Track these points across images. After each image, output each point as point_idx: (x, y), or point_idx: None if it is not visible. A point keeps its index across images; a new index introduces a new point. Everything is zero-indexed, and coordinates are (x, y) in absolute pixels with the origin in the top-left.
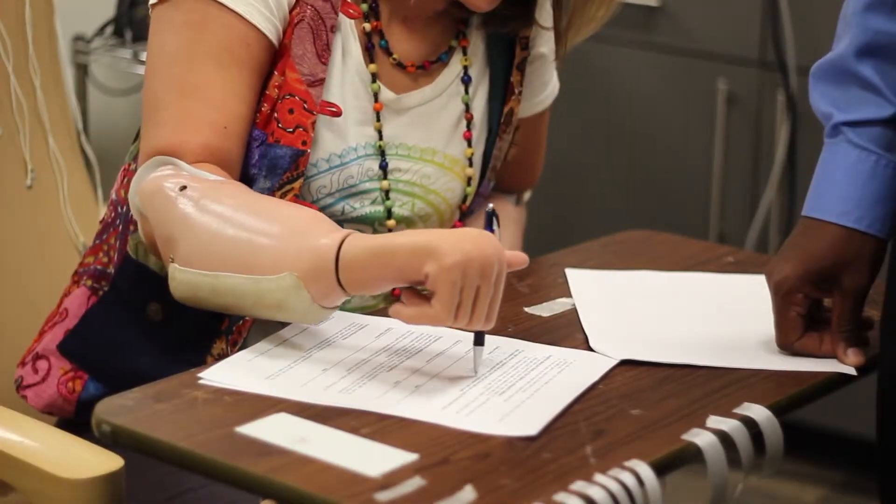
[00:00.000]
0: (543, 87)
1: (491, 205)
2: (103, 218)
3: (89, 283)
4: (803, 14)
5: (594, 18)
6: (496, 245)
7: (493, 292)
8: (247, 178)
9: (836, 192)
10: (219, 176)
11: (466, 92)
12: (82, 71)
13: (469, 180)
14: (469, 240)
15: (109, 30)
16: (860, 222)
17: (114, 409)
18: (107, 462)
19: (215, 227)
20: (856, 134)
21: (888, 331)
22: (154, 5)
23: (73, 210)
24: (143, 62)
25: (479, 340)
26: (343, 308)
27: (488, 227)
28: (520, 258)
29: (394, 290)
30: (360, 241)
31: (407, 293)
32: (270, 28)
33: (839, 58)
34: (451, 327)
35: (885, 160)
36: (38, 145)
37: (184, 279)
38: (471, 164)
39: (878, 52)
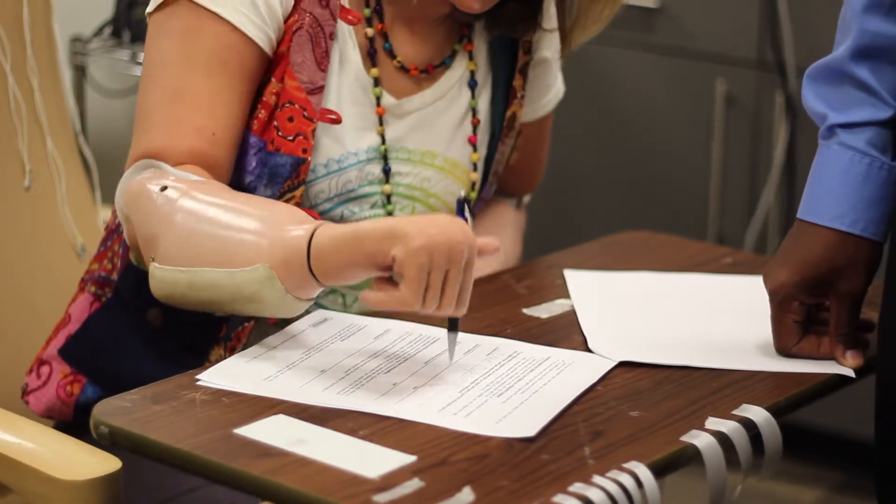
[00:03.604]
0: (547, 91)
1: (462, 192)
2: (108, 224)
3: (93, 289)
4: (802, 15)
5: (599, 19)
6: (466, 231)
7: (462, 277)
8: (243, 187)
9: (830, 195)
10: (201, 177)
11: (473, 96)
12: (80, 72)
13: (473, 185)
14: (436, 225)
15: (107, 31)
16: (854, 226)
17: (112, 410)
18: (104, 464)
19: (192, 223)
20: (849, 136)
21: (886, 334)
22: (151, 13)
23: (71, 211)
24: (140, 63)
25: (452, 327)
26: (341, 309)
27: (459, 214)
28: (491, 245)
29: None
30: (330, 230)
31: (378, 280)
32: (262, 37)
33: (835, 60)
34: (422, 314)
35: (880, 163)
36: (35, 146)
37: (162, 276)
38: (475, 169)
39: (875, 54)
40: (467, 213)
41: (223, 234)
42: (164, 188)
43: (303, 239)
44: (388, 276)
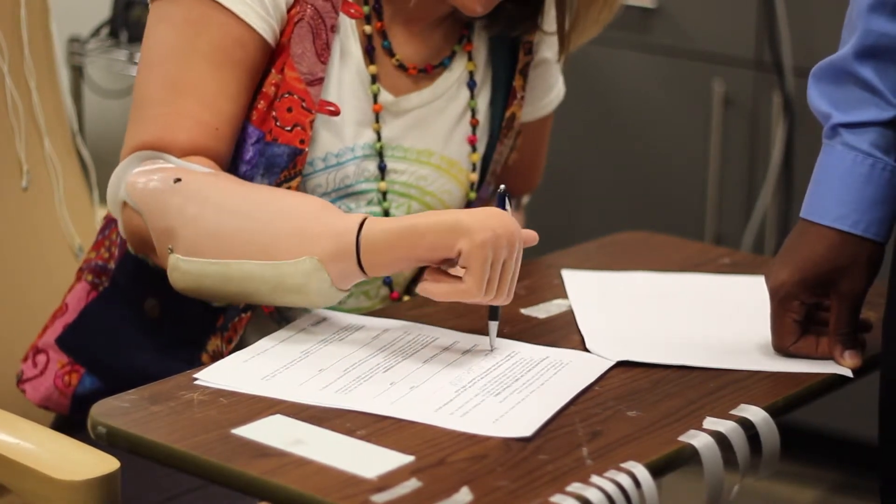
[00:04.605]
0: (548, 91)
1: (503, 185)
2: (106, 214)
3: (90, 278)
4: (800, 15)
5: (597, 21)
6: (515, 222)
7: (515, 267)
8: (241, 177)
9: (833, 195)
10: (208, 168)
11: (472, 96)
12: (78, 72)
13: (472, 185)
14: (494, 217)
15: (105, 31)
16: (856, 226)
17: (109, 410)
18: (103, 464)
19: (220, 218)
20: (853, 136)
21: (891, 333)
22: (153, 0)
23: (69, 211)
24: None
25: (494, 316)
26: (340, 309)
27: (501, 206)
28: (532, 235)
29: (392, 292)
30: (381, 224)
31: (432, 272)
32: (266, 28)
33: (839, 59)
34: (476, 303)
35: (883, 163)
36: (33, 147)
37: (189, 269)
38: (474, 169)
39: (880, 53)
40: (508, 206)
41: (258, 227)
42: (177, 180)
43: (352, 231)
44: (440, 267)
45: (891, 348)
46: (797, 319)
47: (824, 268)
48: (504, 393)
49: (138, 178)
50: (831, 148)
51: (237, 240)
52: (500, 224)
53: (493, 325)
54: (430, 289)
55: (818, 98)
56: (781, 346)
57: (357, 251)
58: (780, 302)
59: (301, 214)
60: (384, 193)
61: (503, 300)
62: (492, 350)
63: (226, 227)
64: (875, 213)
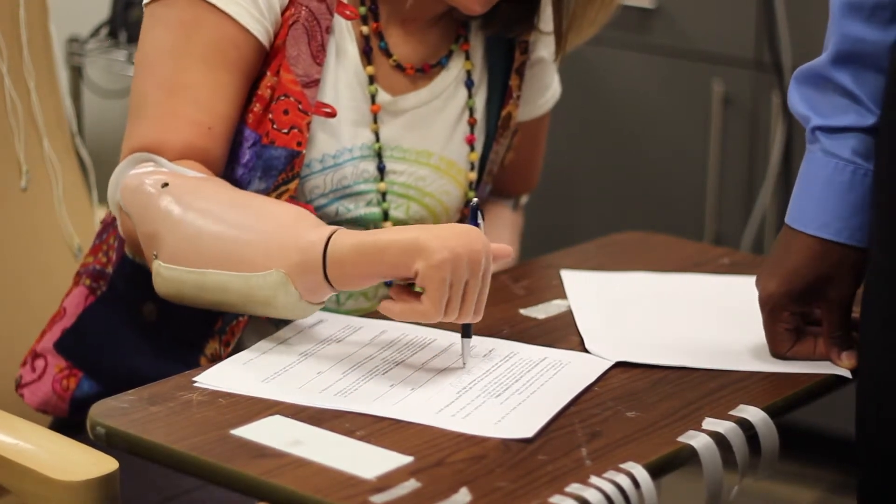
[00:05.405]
0: (544, 91)
1: (475, 199)
2: (104, 218)
3: (88, 282)
4: (799, 15)
5: (594, 22)
6: (483, 239)
7: (480, 286)
8: (235, 179)
9: (815, 203)
10: (200, 173)
11: (470, 96)
12: (77, 72)
13: (471, 185)
14: (456, 236)
15: (104, 31)
16: (839, 234)
17: (108, 411)
18: (102, 464)
19: (200, 223)
20: (832, 142)
21: (869, 347)
22: (147, 4)
23: (68, 211)
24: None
25: (466, 333)
26: (338, 310)
27: (473, 221)
28: (505, 251)
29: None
30: (347, 238)
31: (396, 289)
32: (260, 30)
33: (818, 65)
34: (440, 321)
35: (864, 170)
36: (32, 147)
37: (169, 276)
38: (473, 168)
39: (857, 60)
40: (480, 220)
41: (234, 234)
42: (165, 185)
43: (319, 244)
44: (406, 283)
45: (868, 362)
46: (789, 328)
47: (809, 278)
48: (505, 394)
49: (130, 181)
50: (812, 154)
51: (214, 247)
52: (461, 243)
53: (466, 343)
54: (388, 308)
55: (798, 101)
56: (778, 353)
57: (324, 265)
58: (770, 313)
59: (275, 225)
60: (384, 194)
61: (468, 319)
62: (464, 366)
63: (204, 234)
64: (858, 220)
